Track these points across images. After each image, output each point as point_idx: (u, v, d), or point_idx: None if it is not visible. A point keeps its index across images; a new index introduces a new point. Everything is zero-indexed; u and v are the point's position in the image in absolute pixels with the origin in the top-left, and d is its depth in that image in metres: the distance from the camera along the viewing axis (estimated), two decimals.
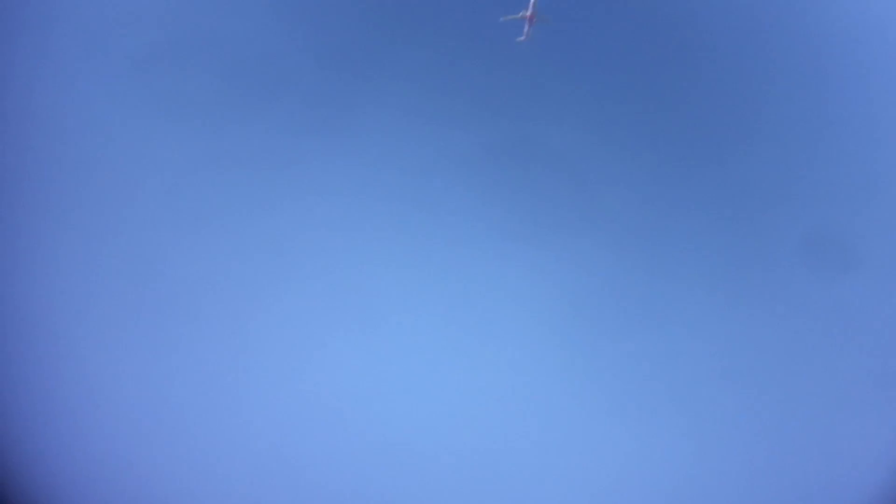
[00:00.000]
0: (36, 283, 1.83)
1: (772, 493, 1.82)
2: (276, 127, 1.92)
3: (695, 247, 1.82)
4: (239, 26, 1.96)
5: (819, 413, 1.88)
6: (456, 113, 1.92)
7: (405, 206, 1.87)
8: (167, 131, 1.96)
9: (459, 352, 1.84)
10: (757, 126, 1.80)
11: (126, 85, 2.01)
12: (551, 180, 1.97)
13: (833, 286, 1.81)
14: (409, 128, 1.91)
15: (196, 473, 1.77)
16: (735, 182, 1.82)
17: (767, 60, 1.76)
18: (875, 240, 1.81)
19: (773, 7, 1.73)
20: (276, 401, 1.81)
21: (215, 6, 1.93)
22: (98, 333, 1.84)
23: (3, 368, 1.77)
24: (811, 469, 1.89)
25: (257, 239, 1.89)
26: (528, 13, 1.72)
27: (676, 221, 1.82)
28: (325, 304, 1.84)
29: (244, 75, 1.96)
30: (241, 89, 1.95)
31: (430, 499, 1.74)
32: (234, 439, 1.78)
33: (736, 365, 1.90)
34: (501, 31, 1.91)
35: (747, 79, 1.75)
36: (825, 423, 1.88)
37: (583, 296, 1.94)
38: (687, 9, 1.73)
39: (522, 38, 1.75)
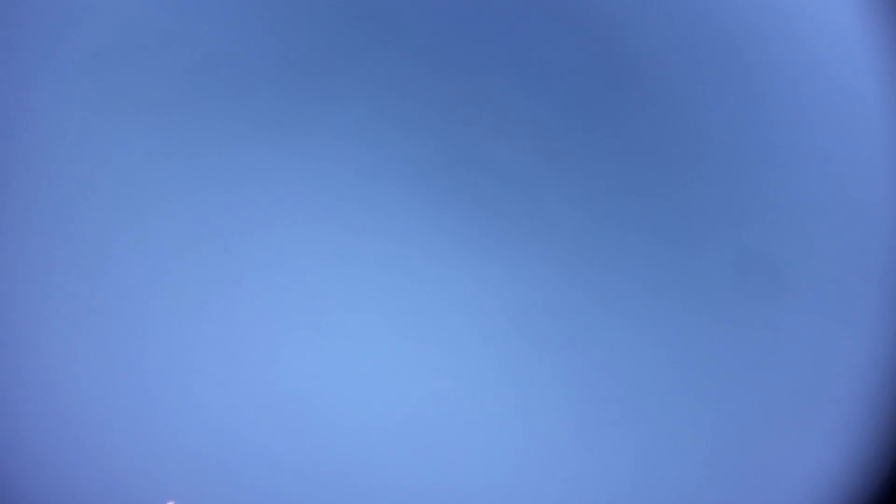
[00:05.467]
0: None
1: None
2: (235, 126, 1.95)
3: (637, 268, 1.86)
4: (202, 27, 1.99)
5: (750, 433, 1.93)
6: (412, 121, 1.96)
7: (358, 206, 1.90)
8: (124, 128, 1.99)
9: (403, 355, 1.87)
10: (700, 151, 1.85)
11: (83, 80, 2.03)
12: (501, 193, 2.01)
13: (767, 308, 1.86)
14: (367, 132, 1.94)
15: (144, 470, 1.79)
16: (677, 205, 1.86)
17: (711, 91, 1.81)
18: (807, 264, 1.86)
19: (718, 43, 1.78)
20: (224, 400, 1.84)
21: (178, 5, 1.96)
22: (54, 330, 1.85)
23: None
24: (742, 488, 1.93)
25: (212, 237, 1.92)
26: None
27: (620, 242, 1.87)
28: (276, 301, 1.87)
29: (206, 74, 1.98)
30: (203, 88, 1.98)
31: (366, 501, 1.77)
32: (181, 437, 1.81)
33: (673, 383, 1.94)
34: (460, 46, 1.94)
35: (692, 105, 1.80)
36: (756, 443, 1.92)
37: (525, 308, 1.98)
38: (640, 38, 1.77)
39: None
